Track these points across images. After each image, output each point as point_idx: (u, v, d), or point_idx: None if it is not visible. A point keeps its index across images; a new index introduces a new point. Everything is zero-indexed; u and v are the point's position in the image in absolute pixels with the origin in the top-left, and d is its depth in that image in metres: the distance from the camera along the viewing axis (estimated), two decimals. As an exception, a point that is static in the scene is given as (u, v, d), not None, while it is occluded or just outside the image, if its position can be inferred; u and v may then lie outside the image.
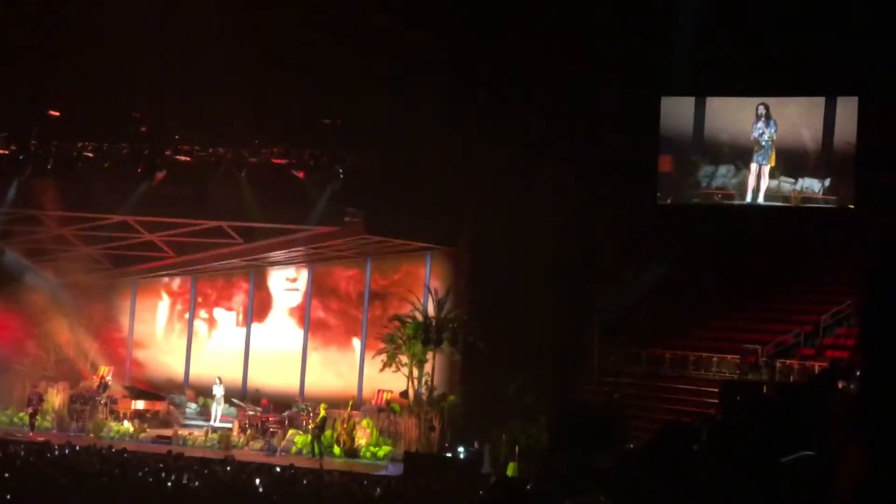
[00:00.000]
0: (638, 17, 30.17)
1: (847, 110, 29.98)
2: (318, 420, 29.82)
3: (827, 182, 30.50)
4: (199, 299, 36.86)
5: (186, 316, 36.81)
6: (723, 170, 31.54)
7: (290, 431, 30.62)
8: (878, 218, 26.00)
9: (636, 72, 30.08)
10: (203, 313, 36.85)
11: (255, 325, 36.13)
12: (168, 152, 31.35)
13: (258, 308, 36.21)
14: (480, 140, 30.26)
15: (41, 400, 31.47)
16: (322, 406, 30.27)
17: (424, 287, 32.89)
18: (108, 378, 33.15)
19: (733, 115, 31.45)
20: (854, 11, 28.12)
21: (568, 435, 5.83)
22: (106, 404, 32.01)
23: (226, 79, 27.87)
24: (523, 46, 30.11)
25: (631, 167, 31.13)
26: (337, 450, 29.87)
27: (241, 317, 36.41)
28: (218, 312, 36.75)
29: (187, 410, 34.43)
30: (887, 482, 3.74)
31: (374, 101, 29.54)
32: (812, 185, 30.73)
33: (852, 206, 30.04)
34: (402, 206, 30.27)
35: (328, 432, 30.09)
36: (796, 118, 30.94)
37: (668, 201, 31.98)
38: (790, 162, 30.89)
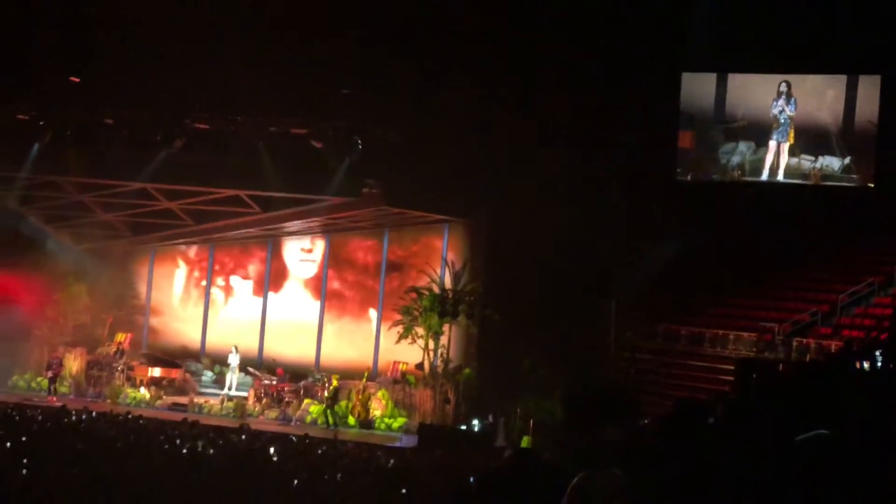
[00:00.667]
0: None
1: (869, 89, 29.81)
2: (330, 391, 29.92)
3: (847, 161, 30.34)
4: (216, 267, 36.96)
5: (203, 284, 36.93)
6: (742, 147, 31.39)
7: (306, 401, 30.68)
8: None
9: (658, 47, 29.89)
10: (220, 281, 36.96)
11: (271, 295, 36.21)
12: (187, 120, 31.36)
13: (274, 278, 36.30)
14: (499, 113, 30.16)
15: (61, 364, 31.69)
16: (335, 377, 30.37)
17: (441, 259, 32.90)
18: (126, 345, 33.34)
19: (755, 92, 31.28)
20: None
21: (583, 409, 5.84)
22: (123, 371, 32.20)
23: (246, 47, 27.80)
24: (544, 22, 29.94)
25: (650, 143, 31.04)
26: (352, 420, 29.98)
27: (256, 286, 36.51)
28: (234, 281, 36.85)
29: (203, 378, 34.58)
30: None
31: (394, 72, 29.46)
32: (832, 164, 30.57)
33: (872, 185, 29.88)
34: (421, 178, 30.16)
35: (343, 403, 30.19)
36: (818, 96, 30.75)
37: (688, 178, 31.86)
38: (811, 140, 30.73)
